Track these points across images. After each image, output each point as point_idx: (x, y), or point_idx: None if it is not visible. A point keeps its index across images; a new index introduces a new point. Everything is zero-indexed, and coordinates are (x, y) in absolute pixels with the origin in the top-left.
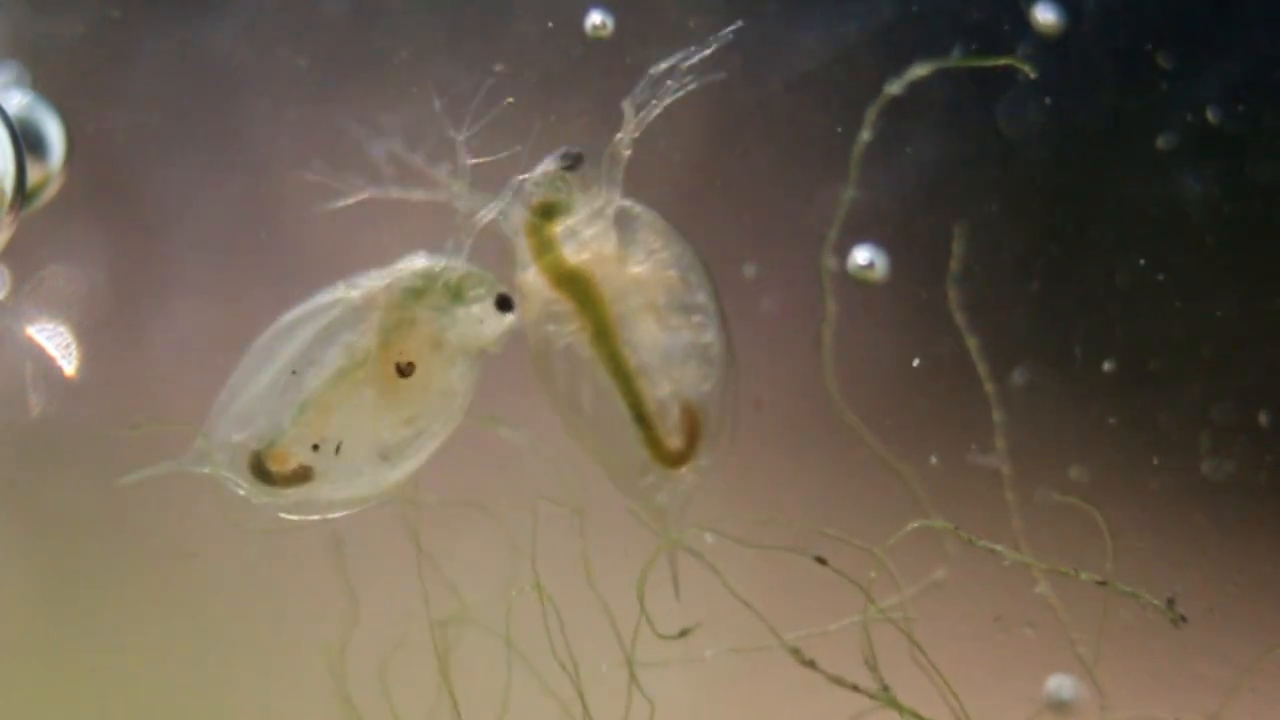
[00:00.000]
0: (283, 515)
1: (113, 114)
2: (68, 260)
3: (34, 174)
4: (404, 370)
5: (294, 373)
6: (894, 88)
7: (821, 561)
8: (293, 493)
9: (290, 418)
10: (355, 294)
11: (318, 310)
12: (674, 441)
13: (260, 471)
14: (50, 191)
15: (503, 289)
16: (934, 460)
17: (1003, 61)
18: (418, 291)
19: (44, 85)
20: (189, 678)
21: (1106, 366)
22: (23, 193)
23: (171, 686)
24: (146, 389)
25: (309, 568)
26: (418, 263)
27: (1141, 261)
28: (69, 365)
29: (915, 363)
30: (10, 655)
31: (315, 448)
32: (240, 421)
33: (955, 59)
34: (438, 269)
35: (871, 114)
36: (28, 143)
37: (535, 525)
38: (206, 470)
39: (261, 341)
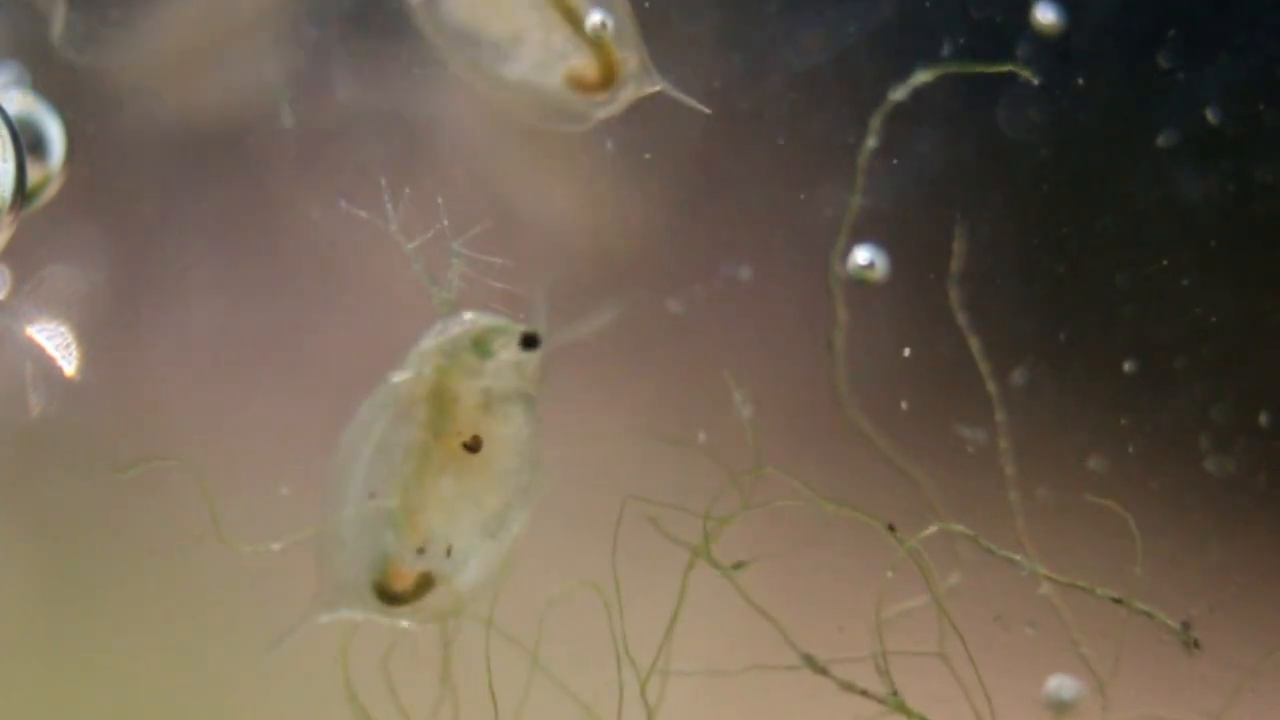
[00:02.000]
0: (428, 624)
1: (113, 114)
2: (68, 260)
3: (34, 174)
4: (473, 447)
5: (372, 496)
6: (898, 93)
7: (891, 530)
8: (425, 602)
9: (388, 537)
10: (392, 398)
11: (365, 428)
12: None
13: (388, 596)
14: (50, 191)
15: (523, 328)
16: (904, 405)
17: (1006, 68)
18: (446, 368)
19: (44, 85)
20: (189, 678)
21: (1109, 368)
22: (23, 193)
23: (172, 686)
24: (146, 389)
25: (309, 568)
26: (432, 340)
27: (1144, 262)
28: (69, 365)
29: (906, 352)
30: (10, 655)
31: (422, 552)
32: (347, 560)
33: (959, 64)
34: (454, 337)
35: (876, 121)
36: (28, 143)
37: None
38: (344, 615)
39: (330, 482)
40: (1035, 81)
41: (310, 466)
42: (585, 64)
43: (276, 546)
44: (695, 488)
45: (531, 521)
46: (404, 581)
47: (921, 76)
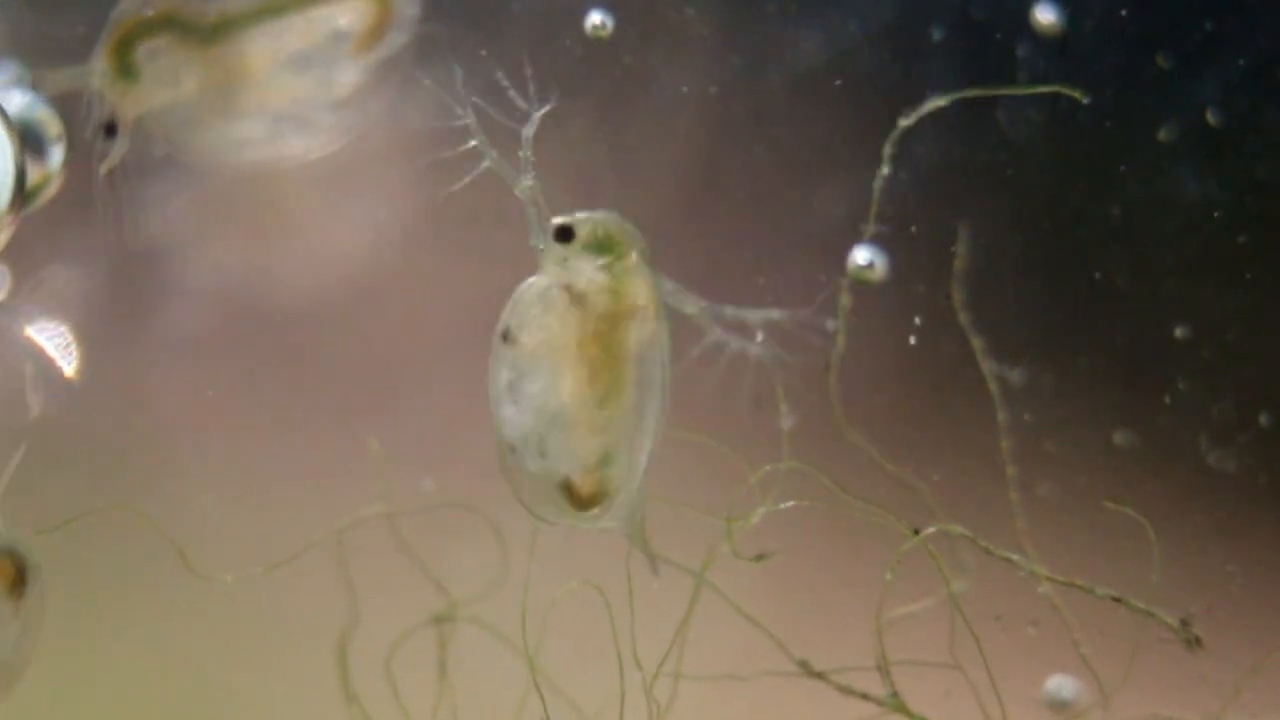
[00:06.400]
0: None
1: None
2: (68, 260)
3: (34, 174)
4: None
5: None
6: (908, 120)
7: (915, 533)
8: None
9: (561, 447)
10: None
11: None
12: None
13: (578, 502)
14: (50, 191)
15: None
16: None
17: (1032, 89)
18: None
19: (44, 85)
20: (189, 677)
21: (1109, 367)
22: (23, 193)
23: (172, 686)
24: (146, 389)
25: (308, 570)
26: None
27: (1145, 262)
28: (69, 365)
29: (912, 340)
30: None
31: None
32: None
33: (976, 89)
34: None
35: (888, 148)
36: (28, 143)
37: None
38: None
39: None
40: (1084, 100)
41: (312, 465)
42: (359, 21)
43: (259, 571)
44: (697, 489)
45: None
46: (588, 486)
47: (935, 103)
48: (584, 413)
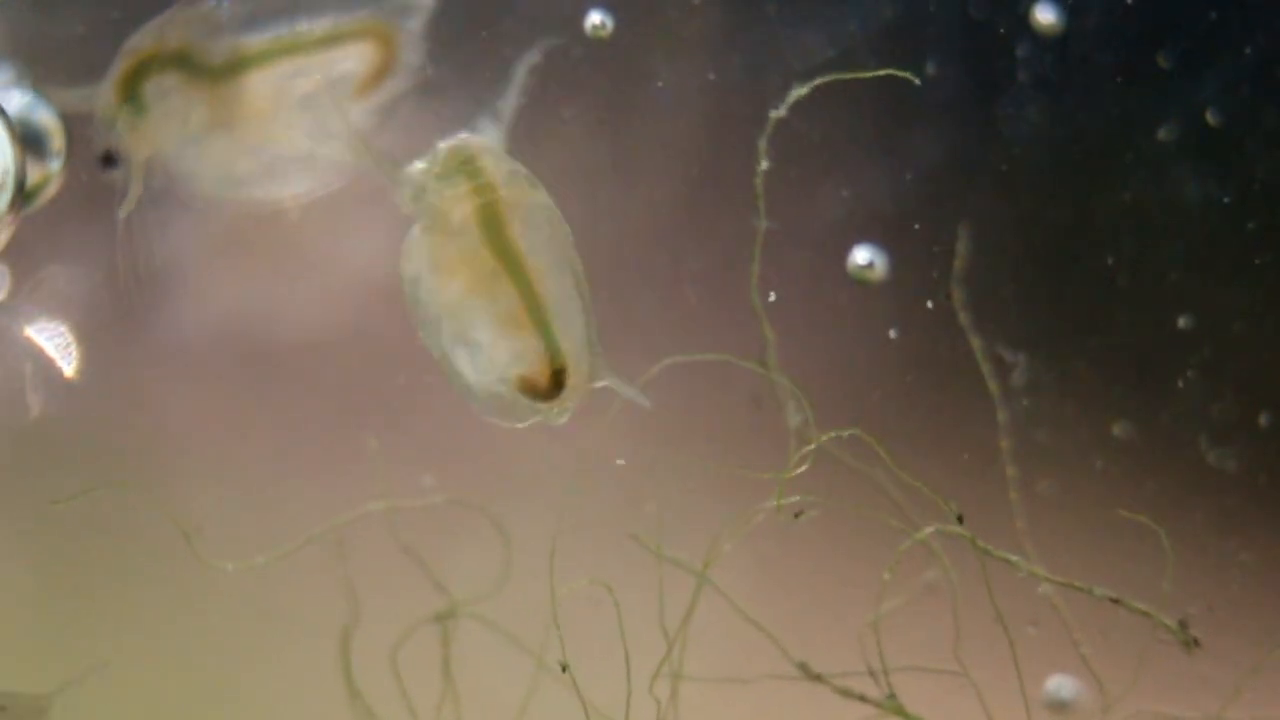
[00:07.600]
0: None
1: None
2: (68, 260)
3: (34, 174)
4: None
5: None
6: (779, 112)
7: (960, 520)
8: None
9: (503, 350)
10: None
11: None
12: None
13: (542, 395)
14: (50, 191)
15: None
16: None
17: (882, 72)
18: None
19: (44, 85)
20: (189, 676)
21: (1109, 367)
22: (23, 193)
23: (172, 685)
24: (146, 389)
25: (309, 568)
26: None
27: (1144, 262)
28: (69, 365)
29: (891, 333)
30: (9, 656)
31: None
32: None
33: (830, 76)
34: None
35: (762, 143)
36: (27, 143)
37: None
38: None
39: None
40: (916, 82)
41: (312, 464)
42: (364, 65)
43: (262, 561)
44: (700, 485)
45: (535, 520)
46: (543, 378)
47: (799, 92)
48: (515, 315)
